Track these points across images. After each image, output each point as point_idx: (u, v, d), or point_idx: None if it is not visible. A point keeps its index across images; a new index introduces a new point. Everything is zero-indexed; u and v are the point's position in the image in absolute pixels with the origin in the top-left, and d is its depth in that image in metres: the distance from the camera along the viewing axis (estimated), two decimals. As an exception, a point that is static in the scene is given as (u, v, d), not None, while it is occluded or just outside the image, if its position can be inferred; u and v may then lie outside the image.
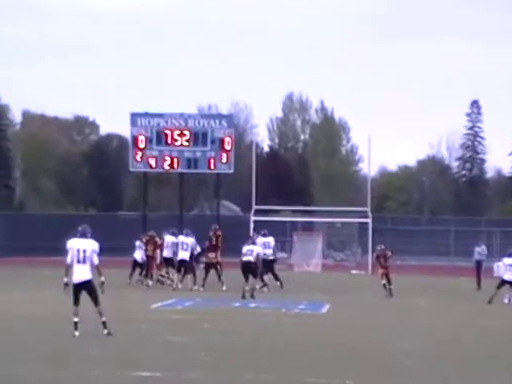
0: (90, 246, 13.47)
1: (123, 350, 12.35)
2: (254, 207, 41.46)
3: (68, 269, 13.46)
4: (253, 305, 20.30)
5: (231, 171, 44.74)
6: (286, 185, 65.48)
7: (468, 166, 79.98)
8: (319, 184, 72.73)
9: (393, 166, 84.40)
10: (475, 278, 29.97)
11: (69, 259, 13.47)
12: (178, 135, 43.31)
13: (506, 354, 13.04)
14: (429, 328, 16.46)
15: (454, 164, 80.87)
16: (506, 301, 22.99)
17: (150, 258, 25.93)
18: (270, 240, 25.42)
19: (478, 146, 79.62)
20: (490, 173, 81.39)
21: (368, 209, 42.03)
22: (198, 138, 43.34)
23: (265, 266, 23.96)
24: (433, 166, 78.73)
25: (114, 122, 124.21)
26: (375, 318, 18.39)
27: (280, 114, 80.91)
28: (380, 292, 23.38)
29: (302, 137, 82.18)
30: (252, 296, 21.72)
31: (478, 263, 30.57)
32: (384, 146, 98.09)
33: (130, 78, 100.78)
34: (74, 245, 13.50)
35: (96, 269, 13.44)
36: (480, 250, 30.97)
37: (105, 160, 69.89)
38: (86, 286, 13.37)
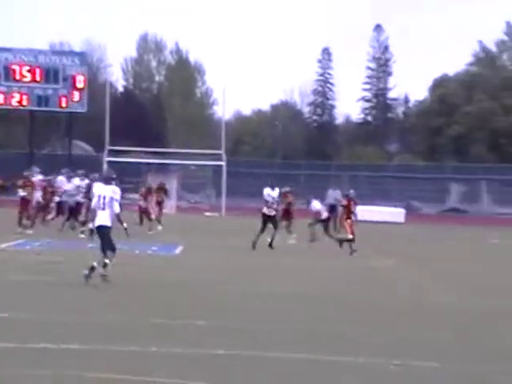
0: (109, 193, 13.39)
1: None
2: (108, 147, 40.79)
3: (93, 214, 13.62)
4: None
5: (84, 110, 43.63)
6: (141, 126, 64.67)
7: (319, 111, 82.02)
8: (174, 126, 72.35)
9: (247, 110, 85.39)
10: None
11: (93, 204, 13.61)
12: (28, 71, 41.69)
13: (336, 292, 13.66)
14: (286, 270, 16.88)
15: (306, 109, 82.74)
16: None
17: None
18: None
19: (328, 92, 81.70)
20: (339, 119, 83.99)
21: (222, 152, 42.33)
22: (49, 74, 41.94)
23: None
24: (286, 111, 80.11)
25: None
26: (229, 259, 18.65)
27: (135, 54, 79.58)
28: (234, 234, 23.59)
29: (157, 78, 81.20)
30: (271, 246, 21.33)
31: (332, 207, 31.38)
32: (239, 89, 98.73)
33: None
34: (97, 191, 13.62)
35: (116, 217, 13.44)
36: (335, 194, 31.72)
37: None
38: (100, 230, 13.33)
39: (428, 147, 71.11)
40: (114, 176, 13.78)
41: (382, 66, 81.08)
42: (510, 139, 67.03)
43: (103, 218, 13.32)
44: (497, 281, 16.73)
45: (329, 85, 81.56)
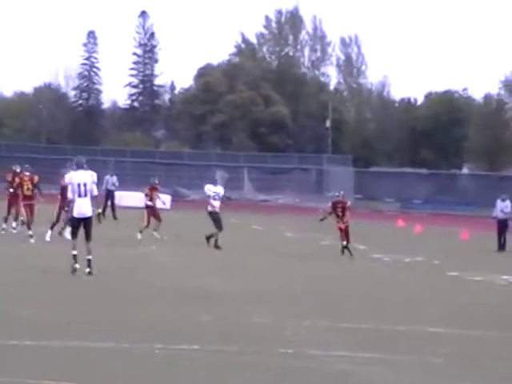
0: (89, 178, 13.54)
1: None
2: None
3: (70, 204, 13.82)
4: None
5: None
6: None
7: (85, 95, 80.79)
8: None
9: (9, 92, 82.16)
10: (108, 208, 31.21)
11: (70, 195, 13.61)
12: None
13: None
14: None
15: (72, 93, 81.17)
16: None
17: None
18: None
19: (94, 77, 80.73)
20: (106, 103, 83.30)
21: (-18, 135, 40.51)
22: None
23: None
24: (50, 94, 78.04)
25: None
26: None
27: None
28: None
29: None
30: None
31: (109, 192, 31.94)
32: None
33: None
34: (74, 179, 13.57)
35: (94, 199, 13.68)
36: (113, 180, 32.54)
37: None
38: (86, 221, 13.54)
39: (194, 134, 72.65)
40: (85, 160, 14.07)
41: (148, 53, 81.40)
42: (269, 128, 70.29)
43: (87, 206, 13.46)
44: (257, 264, 17.74)
45: (95, 69, 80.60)
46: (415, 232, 32.43)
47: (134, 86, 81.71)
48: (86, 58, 79.83)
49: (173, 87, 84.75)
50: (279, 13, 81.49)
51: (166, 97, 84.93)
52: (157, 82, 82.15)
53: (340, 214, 19.68)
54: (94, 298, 11.76)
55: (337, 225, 19.80)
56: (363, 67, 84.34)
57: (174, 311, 10.83)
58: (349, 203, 20.12)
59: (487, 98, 69.41)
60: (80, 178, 13.60)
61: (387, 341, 9.50)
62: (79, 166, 13.86)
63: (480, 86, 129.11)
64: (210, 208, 21.12)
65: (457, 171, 64.57)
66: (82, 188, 13.50)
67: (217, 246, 20.60)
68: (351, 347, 8.89)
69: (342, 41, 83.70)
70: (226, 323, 10.13)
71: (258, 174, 58.36)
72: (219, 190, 21.43)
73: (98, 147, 64.58)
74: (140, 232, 21.96)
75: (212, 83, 71.90)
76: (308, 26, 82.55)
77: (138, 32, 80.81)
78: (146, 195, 23.45)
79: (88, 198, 13.54)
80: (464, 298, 14.05)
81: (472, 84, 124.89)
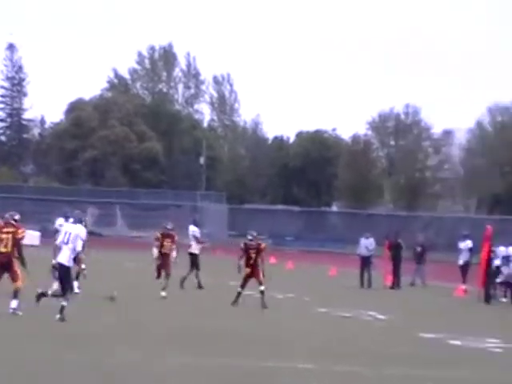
0: (75, 230, 13.62)
1: None
2: None
3: (56, 250, 13.73)
4: None
5: None
6: None
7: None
8: None
9: None
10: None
11: (59, 241, 13.70)
12: None
13: None
14: None
15: None
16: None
17: None
18: None
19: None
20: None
21: None
22: None
23: None
24: None
25: None
26: None
27: None
28: None
29: None
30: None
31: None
32: None
33: None
34: (64, 228, 14.02)
35: (77, 255, 13.56)
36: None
37: None
38: (61, 269, 13.53)
39: (64, 169, 71.14)
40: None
41: (16, 86, 79.42)
42: (142, 164, 69.79)
43: (65, 255, 13.43)
44: (131, 302, 17.38)
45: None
46: (287, 268, 32.79)
47: (1, 120, 79.47)
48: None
49: (43, 122, 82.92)
50: (152, 49, 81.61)
51: (36, 131, 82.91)
52: (25, 116, 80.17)
53: (253, 257, 17.69)
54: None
55: (245, 270, 17.74)
56: (236, 105, 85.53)
57: (39, 351, 10.42)
58: (263, 245, 18.14)
59: (355, 138, 71.55)
60: (69, 228, 13.86)
61: (256, 378, 9.46)
62: (76, 221, 14.05)
63: (348, 126, 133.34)
64: (192, 250, 21.93)
65: (327, 209, 66.04)
66: (67, 236, 13.63)
67: (200, 287, 21.34)
68: (220, 386, 8.78)
69: (215, 79, 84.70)
70: (93, 363, 9.82)
71: (131, 210, 57.66)
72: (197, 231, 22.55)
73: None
74: None
75: (83, 118, 70.80)
76: (182, 63, 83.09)
77: (5, 65, 78.86)
78: None
79: (69, 247, 13.54)
80: (333, 334, 14.25)
81: (341, 124, 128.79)
